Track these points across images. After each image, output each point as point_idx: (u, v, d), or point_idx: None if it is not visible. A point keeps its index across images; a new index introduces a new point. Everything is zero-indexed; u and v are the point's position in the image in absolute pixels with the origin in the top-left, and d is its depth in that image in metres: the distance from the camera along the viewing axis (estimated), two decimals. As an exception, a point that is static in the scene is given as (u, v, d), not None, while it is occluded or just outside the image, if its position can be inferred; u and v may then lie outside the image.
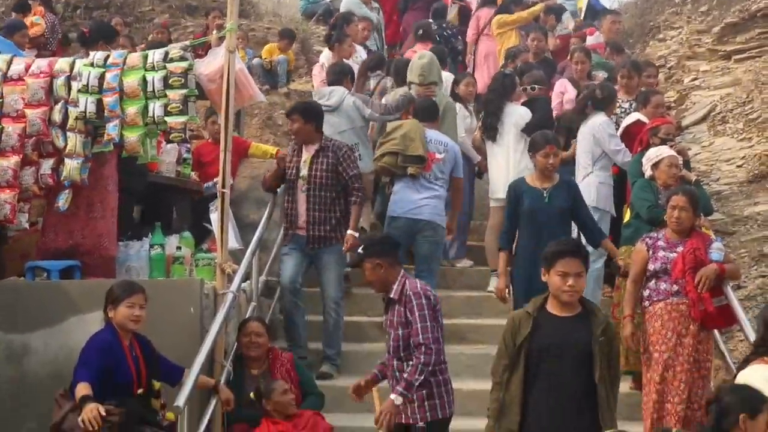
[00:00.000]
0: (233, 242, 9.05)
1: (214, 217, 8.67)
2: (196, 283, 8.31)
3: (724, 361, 8.85)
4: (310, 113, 9.58)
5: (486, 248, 11.01)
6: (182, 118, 8.31)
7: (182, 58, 8.44)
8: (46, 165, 8.62)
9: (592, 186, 10.31)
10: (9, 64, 8.76)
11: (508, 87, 11.13)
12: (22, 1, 14.50)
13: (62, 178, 8.50)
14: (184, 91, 8.32)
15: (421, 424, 6.90)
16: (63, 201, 8.58)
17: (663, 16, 16.83)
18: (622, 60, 12.59)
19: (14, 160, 8.46)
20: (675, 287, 7.97)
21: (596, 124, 10.45)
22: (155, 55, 8.49)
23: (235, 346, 8.58)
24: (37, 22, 14.37)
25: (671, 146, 9.65)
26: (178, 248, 8.98)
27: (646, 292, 8.14)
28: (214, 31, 13.95)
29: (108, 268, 8.82)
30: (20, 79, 8.65)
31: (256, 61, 15.76)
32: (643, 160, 9.43)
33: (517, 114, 10.97)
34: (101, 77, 8.43)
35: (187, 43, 9.29)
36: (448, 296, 10.65)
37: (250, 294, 9.52)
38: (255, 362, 8.44)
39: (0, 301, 8.31)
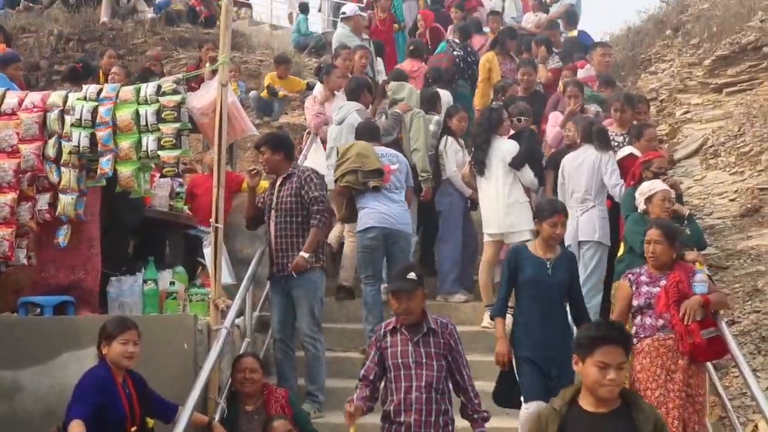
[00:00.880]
0: (227, 277, 9.01)
1: (208, 252, 8.64)
2: (190, 318, 8.25)
3: (720, 397, 8.78)
4: (277, 143, 9.51)
5: (480, 283, 10.98)
6: (175, 152, 8.30)
7: (175, 92, 8.42)
8: (43, 200, 8.57)
9: (595, 220, 10.32)
10: (2, 98, 8.74)
11: (494, 121, 11.11)
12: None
13: (57, 214, 8.46)
14: (177, 124, 8.30)
15: None
16: (63, 237, 8.55)
17: (654, 49, 16.91)
18: (614, 93, 12.60)
19: (11, 196, 8.41)
20: (660, 322, 7.88)
21: (600, 157, 10.44)
22: (148, 89, 8.46)
23: (229, 383, 8.52)
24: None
25: (664, 180, 9.65)
26: (172, 283, 8.93)
27: (632, 329, 8.03)
28: (207, 64, 13.96)
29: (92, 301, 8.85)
30: (14, 113, 8.63)
31: (252, 94, 15.81)
32: (636, 194, 9.41)
33: (504, 148, 10.96)
34: (94, 111, 8.41)
35: (180, 76, 9.25)
36: (442, 331, 10.52)
37: (244, 330, 9.48)
38: (250, 398, 8.37)
39: (-7, 337, 8.23)
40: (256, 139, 10.10)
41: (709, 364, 8.37)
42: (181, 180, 10.50)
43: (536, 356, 8.07)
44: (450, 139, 11.62)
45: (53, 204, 8.58)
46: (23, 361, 8.11)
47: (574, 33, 16.20)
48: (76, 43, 19.28)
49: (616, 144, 10.87)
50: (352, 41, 15.18)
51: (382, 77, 14.78)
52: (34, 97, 8.75)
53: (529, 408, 7.93)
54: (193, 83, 12.21)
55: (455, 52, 15.26)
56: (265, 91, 16.14)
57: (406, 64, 14.87)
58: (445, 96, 13.10)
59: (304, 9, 22.96)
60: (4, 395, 8.09)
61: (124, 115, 8.35)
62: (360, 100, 12.03)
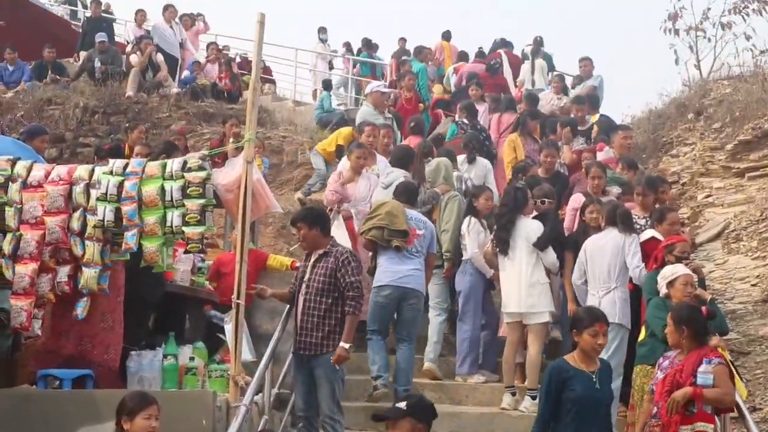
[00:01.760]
0: (247, 354, 8.98)
1: (228, 328, 8.63)
2: (209, 395, 8.23)
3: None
4: (314, 219, 9.37)
5: (503, 364, 10.93)
6: (200, 228, 8.30)
7: (200, 168, 8.44)
8: (63, 272, 8.62)
9: (617, 302, 10.27)
10: (29, 170, 8.79)
11: (520, 201, 11.13)
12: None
13: (80, 287, 8.51)
14: (202, 201, 8.32)
15: None
16: (81, 309, 8.59)
17: (676, 132, 16.95)
18: (637, 176, 12.60)
19: (32, 267, 8.47)
20: (655, 408, 7.87)
21: (624, 239, 10.42)
22: (174, 165, 8.51)
23: (246, 460, 8.44)
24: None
25: (686, 264, 9.61)
26: (191, 359, 8.92)
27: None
28: (231, 140, 14.07)
29: (112, 379, 8.83)
30: (39, 185, 8.68)
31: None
32: (658, 278, 9.38)
33: (529, 228, 10.97)
34: (120, 186, 8.45)
35: (206, 152, 9.30)
36: (459, 412, 10.53)
37: (263, 407, 9.39)
38: (267, 476, 8.32)
39: (11, 410, 8.23)
40: (292, 216, 10.11)
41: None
42: (202, 255, 10.50)
43: None
44: (473, 219, 11.63)
45: (72, 276, 8.62)
46: (42, 434, 8.08)
47: (596, 117, 16.24)
48: (102, 116, 19.49)
49: (638, 227, 10.86)
50: (375, 119, 15.28)
51: None
52: (60, 170, 8.80)
53: None
54: (217, 158, 12.28)
55: (466, 133, 15.40)
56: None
57: (409, 141, 15.05)
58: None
59: (327, 86, 23.19)
60: (22, 468, 8.07)
61: (150, 190, 8.39)
62: (407, 168, 12.54)
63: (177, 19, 22.68)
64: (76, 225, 8.54)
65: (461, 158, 14.03)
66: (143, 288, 9.26)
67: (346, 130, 16.10)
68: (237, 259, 8.28)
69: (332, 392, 9.08)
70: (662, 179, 12.71)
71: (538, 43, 22.91)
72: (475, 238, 11.51)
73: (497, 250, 11.09)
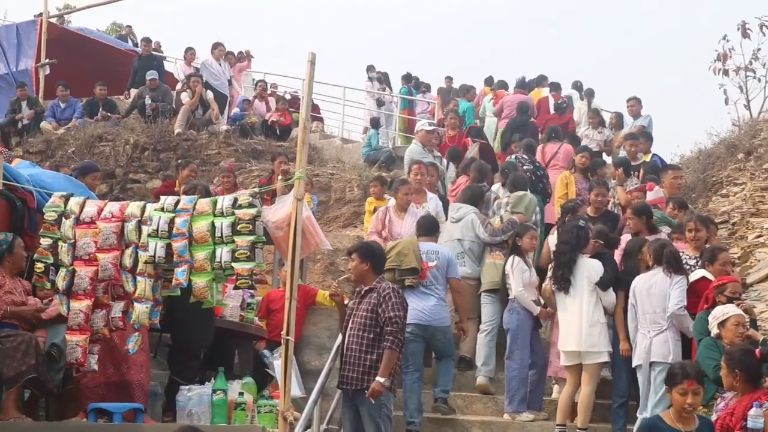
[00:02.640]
0: (296, 390, 9.00)
1: (277, 364, 8.66)
2: (258, 430, 8.31)
3: None
4: (367, 253, 9.39)
5: (559, 403, 10.90)
6: (249, 265, 8.34)
7: (251, 205, 8.51)
8: (117, 308, 8.73)
9: (669, 342, 10.19)
10: (82, 207, 8.91)
11: (582, 239, 11.13)
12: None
13: (131, 322, 8.60)
14: (251, 237, 8.37)
15: None
16: (132, 344, 8.70)
17: (725, 172, 16.80)
18: (686, 215, 12.52)
19: (86, 303, 8.58)
20: None
21: (672, 279, 10.35)
22: (224, 202, 8.58)
23: (295, 496, 8.45)
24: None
25: (738, 304, 9.53)
26: (241, 394, 8.96)
27: None
28: (279, 177, 14.16)
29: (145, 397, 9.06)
30: (92, 222, 8.79)
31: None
32: (710, 318, 9.31)
33: (590, 266, 10.95)
34: (171, 222, 8.53)
35: (256, 190, 9.38)
36: (508, 450, 10.49)
37: (311, 442, 9.42)
38: None
39: (62, 444, 8.29)
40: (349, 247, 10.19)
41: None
42: (252, 291, 10.55)
43: None
44: (517, 258, 11.63)
45: (126, 312, 8.71)
46: (93, 468, 8.16)
47: (648, 156, 16.17)
48: (152, 152, 19.68)
49: (688, 267, 10.79)
50: (423, 157, 15.33)
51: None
52: (112, 206, 8.90)
53: None
54: (266, 195, 12.37)
55: (525, 167, 15.42)
56: None
57: (460, 181, 15.24)
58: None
59: (375, 124, 23.29)
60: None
61: (201, 226, 8.47)
62: (477, 205, 13.11)
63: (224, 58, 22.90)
64: (128, 262, 8.63)
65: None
66: (194, 325, 9.33)
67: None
68: (287, 295, 8.30)
69: (378, 431, 9.05)
70: (710, 219, 12.63)
71: (579, 86, 23.30)
72: (519, 276, 11.50)
73: (555, 287, 11.07)
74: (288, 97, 26.93)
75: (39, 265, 8.82)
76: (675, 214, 12.67)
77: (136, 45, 28.98)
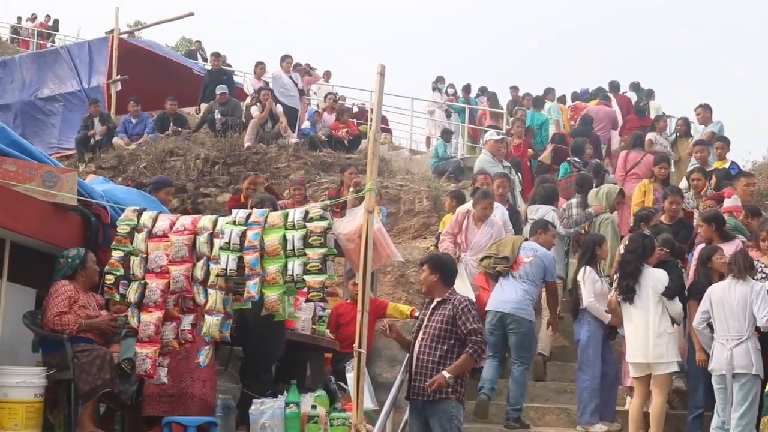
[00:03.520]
0: (368, 402, 8.97)
1: (350, 376, 8.64)
2: (331, 443, 8.26)
3: None
4: (438, 265, 9.20)
5: (630, 416, 10.78)
6: (321, 277, 8.33)
7: (322, 218, 8.49)
8: (186, 320, 8.79)
9: (751, 352, 10.03)
10: (154, 221, 8.99)
11: (648, 249, 11.02)
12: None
13: (202, 334, 8.63)
14: (323, 250, 8.36)
15: None
16: (204, 357, 8.74)
17: (800, 178, 16.60)
18: (760, 223, 12.35)
19: (156, 315, 8.65)
20: None
21: (751, 287, 10.20)
22: (296, 215, 8.59)
23: (367, 508, 8.43)
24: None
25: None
26: (313, 407, 8.96)
27: None
28: (350, 189, 14.16)
29: (208, 412, 9.09)
30: (164, 235, 8.86)
31: None
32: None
33: (655, 276, 10.83)
34: (243, 235, 8.57)
35: (327, 202, 9.40)
36: (582, 461, 10.42)
37: (384, 454, 9.37)
38: None
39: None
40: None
41: None
42: (323, 304, 10.56)
43: None
44: (589, 269, 11.52)
45: (195, 325, 8.76)
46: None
47: (724, 164, 15.98)
48: (222, 166, 19.77)
49: (764, 275, 10.63)
50: (493, 167, 15.30)
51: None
52: (184, 220, 8.97)
53: None
54: (335, 207, 12.39)
55: (581, 171, 15.47)
56: None
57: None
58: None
59: (446, 136, 23.28)
60: None
61: (272, 239, 8.48)
62: (554, 204, 13.88)
63: (293, 70, 22.99)
64: (199, 274, 8.67)
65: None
66: (266, 339, 9.36)
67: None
68: (359, 308, 8.30)
69: None
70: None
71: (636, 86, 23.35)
72: (590, 287, 11.39)
73: (621, 298, 10.95)
74: (355, 109, 27.06)
75: (109, 276, 8.90)
76: (748, 222, 12.50)
77: (205, 60, 29.31)
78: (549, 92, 24.26)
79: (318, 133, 21.19)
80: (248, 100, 22.01)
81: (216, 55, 24.55)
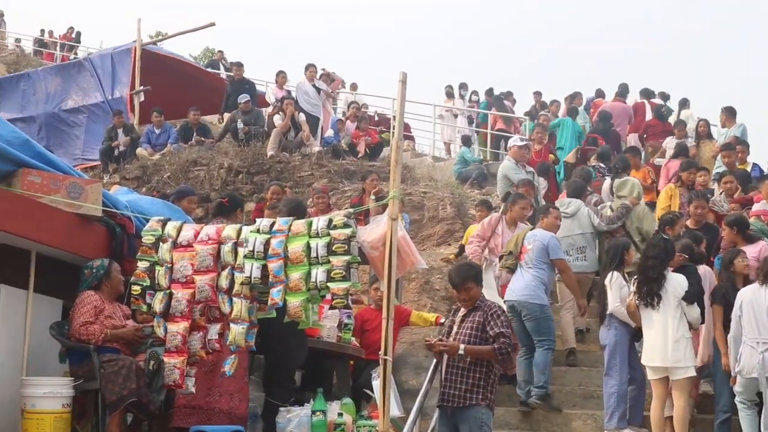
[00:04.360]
0: (395, 410, 8.97)
1: (376, 384, 8.64)
2: (357, 450, 8.26)
3: None
4: (479, 276, 9.12)
5: (652, 421, 10.73)
6: (345, 285, 8.31)
7: (346, 225, 8.48)
8: (213, 330, 8.78)
9: None
10: (179, 230, 9.02)
11: (670, 253, 10.97)
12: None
13: (228, 343, 8.63)
14: (347, 257, 8.35)
15: None
16: (229, 366, 8.73)
17: (825, 180, 16.45)
18: (785, 226, 12.31)
19: (183, 325, 8.67)
20: None
21: None
22: (319, 222, 8.58)
23: None
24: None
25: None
26: (340, 415, 8.97)
27: None
28: (372, 196, 14.17)
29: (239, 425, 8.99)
30: (189, 245, 8.88)
31: None
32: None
33: (674, 281, 10.79)
34: (267, 243, 8.57)
35: (351, 210, 9.39)
36: (609, 465, 10.38)
37: (411, 462, 9.35)
38: None
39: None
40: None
41: None
42: (349, 312, 10.56)
43: None
44: (616, 274, 11.46)
45: (222, 334, 8.77)
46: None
47: (747, 166, 15.93)
48: (245, 175, 19.82)
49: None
50: (516, 173, 15.30)
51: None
52: (209, 229, 8.98)
53: None
54: (359, 215, 12.39)
55: (604, 176, 15.46)
56: None
57: (562, 196, 15.38)
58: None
59: (466, 141, 23.27)
60: None
61: (296, 247, 8.48)
62: (582, 197, 14.07)
63: (317, 78, 23.03)
64: (224, 283, 8.68)
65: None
66: (286, 346, 9.37)
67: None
68: (383, 315, 8.29)
69: None
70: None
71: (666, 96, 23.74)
72: (617, 292, 11.33)
73: (642, 303, 10.90)
74: (376, 117, 27.08)
75: (135, 287, 8.93)
76: (773, 224, 12.46)
77: (227, 69, 29.37)
78: (576, 96, 24.17)
79: (341, 142, 21.19)
80: (270, 109, 22.07)
81: (238, 65, 24.61)
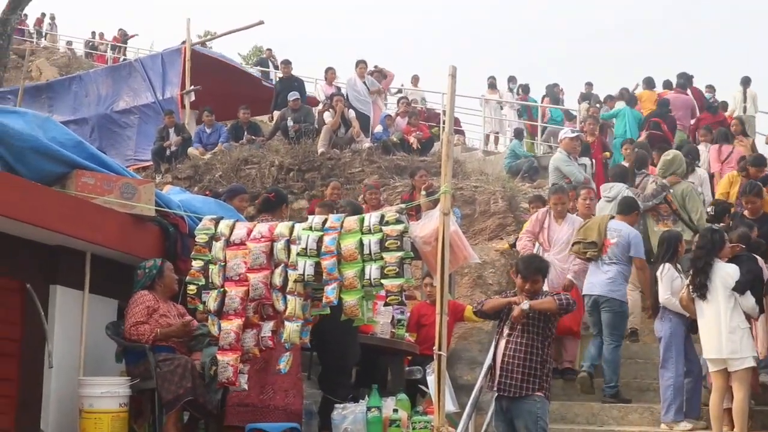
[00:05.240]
0: (450, 405, 8.95)
1: (431, 379, 8.62)
2: (413, 446, 8.25)
3: None
4: (545, 272, 9.10)
5: (711, 413, 10.61)
6: (399, 281, 8.29)
7: (398, 221, 8.45)
8: (267, 327, 8.80)
9: None
10: (231, 229, 9.05)
11: (717, 243, 10.85)
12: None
13: (282, 341, 8.64)
14: (400, 253, 8.32)
15: None
16: (284, 363, 8.73)
17: None
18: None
19: (237, 323, 8.68)
20: None
21: None
22: (372, 219, 8.57)
23: None
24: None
25: None
26: (395, 410, 8.96)
27: None
28: (422, 192, 14.13)
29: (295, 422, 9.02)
30: (242, 243, 8.91)
31: None
32: None
33: (724, 272, 10.67)
34: (319, 241, 8.57)
35: (403, 206, 9.38)
36: (665, 460, 10.30)
37: (466, 457, 9.34)
38: None
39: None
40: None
41: None
42: (403, 308, 10.53)
43: None
44: (668, 265, 11.36)
45: (275, 332, 8.78)
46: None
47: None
48: (296, 173, 19.84)
49: None
50: (568, 165, 15.23)
51: None
52: (261, 227, 9.01)
53: None
54: (410, 211, 12.37)
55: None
56: None
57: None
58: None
59: (518, 135, 23.18)
60: None
61: (349, 244, 8.48)
62: (625, 181, 14.22)
63: (368, 74, 23.02)
64: (278, 280, 8.69)
65: None
66: (342, 344, 9.37)
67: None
68: (437, 310, 8.27)
69: None
70: None
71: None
72: (668, 283, 11.21)
73: (695, 294, 10.81)
74: (426, 112, 27.04)
75: (191, 287, 8.97)
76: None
77: (276, 68, 29.47)
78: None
79: (391, 137, 21.16)
80: (320, 106, 22.09)
81: (286, 63, 24.65)
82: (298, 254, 8.61)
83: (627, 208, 12.46)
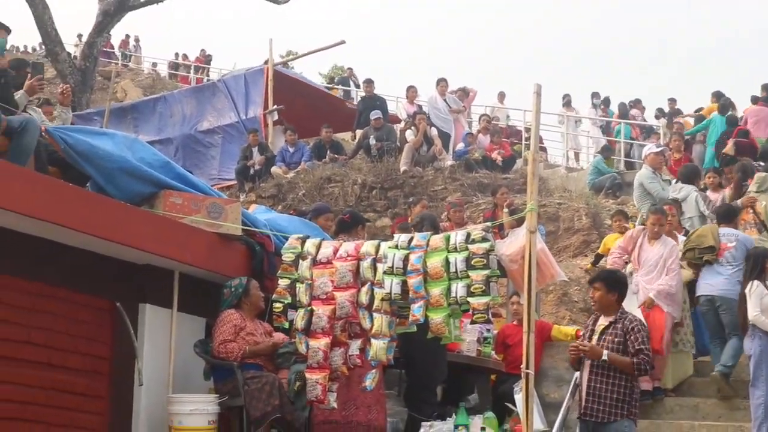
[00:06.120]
0: (538, 423, 8.90)
1: (519, 397, 8.59)
2: (501, 464, 8.21)
3: None
4: (614, 283, 9.15)
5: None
6: (485, 299, 8.30)
7: (484, 239, 8.48)
8: (354, 345, 8.84)
9: None
10: (318, 248, 9.10)
11: (805, 258, 10.70)
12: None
13: (369, 358, 8.68)
14: (486, 271, 8.34)
15: None
16: (370, 381, 8.78)
17: None
18: None
19: (324, 341, 8.73)
20: None
21: None
22: (458, 237, 8.59)
23: None
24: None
25: None
26: (483, 429, 8.94)
27: None
28: (504, 209, 14.09)
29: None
30: (329, 262, 8.96)
31: None
32: None
33: (815, 286, 10.51)
34: (405, 259, 8.59)
35: (489, 224, 9.37)
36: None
37: (555, 474, 9.26)
38: None
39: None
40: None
41: None
42: (489, 326, 10.50)
43: None
44: (756, 282, 11.18)
45: (363, 350, 8.80)
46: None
47: None
48: (379, 191, 19.90)
49: None
50: (652, 181, 15.07)
51: None
52: (348, 246, 9.06)
53: None
54: (494, 229, 12.33)
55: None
56: None
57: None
58: None
59: (605, 151, 23.04)
60: None
61: (435, 262, 8.50)
62: (695, 183, 14.51)
63: (449, 93, 23.02)
64: (364, 299, 8.73)
65: None
66: (429, 362, 9.36)
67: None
68: (524, 328, 8.24)
69: None
70: None
71: None
72: (757, 300, 10.99)
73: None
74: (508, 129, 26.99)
75: (277, 304, 9.05)
76: None
77: (357, 86, 29.60)
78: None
79: (474, 154, 21.12)
80: (402, 124, 22.13)
81: (368, 82, 24.76)
82: (384, 273, 8.64)
83: (727, 216, 12.65)
